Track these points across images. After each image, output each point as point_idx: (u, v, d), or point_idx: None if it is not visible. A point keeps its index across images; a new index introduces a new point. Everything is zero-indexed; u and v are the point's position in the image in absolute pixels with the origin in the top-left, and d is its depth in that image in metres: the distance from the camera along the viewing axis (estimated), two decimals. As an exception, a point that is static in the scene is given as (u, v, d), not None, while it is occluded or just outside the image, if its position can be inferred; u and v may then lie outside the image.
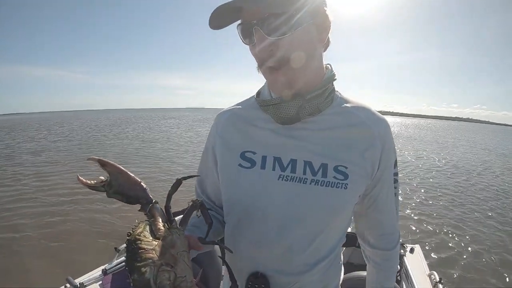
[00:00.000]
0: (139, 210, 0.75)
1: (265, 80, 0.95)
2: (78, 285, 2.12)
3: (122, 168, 0.74)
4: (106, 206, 6.95)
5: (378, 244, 1.04)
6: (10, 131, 33.10)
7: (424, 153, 19.00)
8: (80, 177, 0.72)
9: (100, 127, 35.45)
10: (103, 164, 0.73)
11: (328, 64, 0.94)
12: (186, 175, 0.82)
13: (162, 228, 0.69)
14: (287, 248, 0.88)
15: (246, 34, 0.81)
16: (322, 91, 0.87)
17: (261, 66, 0.83)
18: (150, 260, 0.61)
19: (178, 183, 0.77)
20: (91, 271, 2.43)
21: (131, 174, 0.75)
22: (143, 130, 31.44)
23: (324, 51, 0.90)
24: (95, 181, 0.73)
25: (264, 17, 0.75)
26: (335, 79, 0.92)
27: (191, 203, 0.81)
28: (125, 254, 0.65)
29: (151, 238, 0.66)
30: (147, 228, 0.69)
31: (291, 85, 0.83)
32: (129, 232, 0.67)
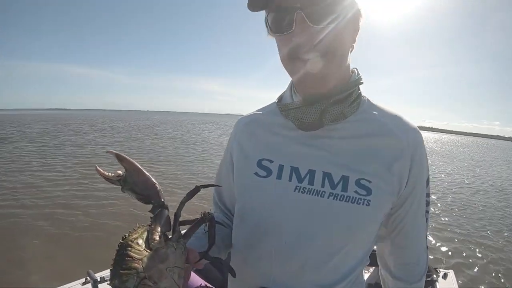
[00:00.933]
0: (149, 211, 0.72)
1: (286, 85, 0.90)
2: (98, 279, 2.12)
3: (139, 167, 0.72)
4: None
5: (400, 274, 0.92)
6: (55, 124, 35.39)
7: (460, 170, 18.16)
8: (98, 168, 0.71)
9: (140, 127, 36.87)
10: (120, 159, 0.72)
11: (354, 68, 0.86)
12: (205, 183, 0.79)
13: (158, 238, 0.65)
14: (300, 266, 0.80)
15: (282, 20, 0.72)
16: (348, 94, 0.80)
17: (291, 56, 0.75)
18: (134, 270, 0.58)
19: (195, 190, 0.74)
20: None
21: (147, 173, 0.72)
22: (183, 132, 32.28)
23: (350, 53, 0.83)
24: (112, 174, 0.71)
25: (310, 1, 0.68)
26: (362, 83, 0.84)
27: (202, 215, 0.77)
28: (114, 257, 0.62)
29: (143, 247, 0.63)
30: (144, 234, 0.65)
31: (323, 81, 0.76)
32: (124, 235, 0.64)
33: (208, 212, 0.78)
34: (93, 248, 4.99)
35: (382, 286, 1.01)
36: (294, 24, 0.70)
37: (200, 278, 1.88)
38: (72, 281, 2.31)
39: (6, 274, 4.25)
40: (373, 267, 2.38)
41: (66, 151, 14.83)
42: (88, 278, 2.17)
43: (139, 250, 0.61)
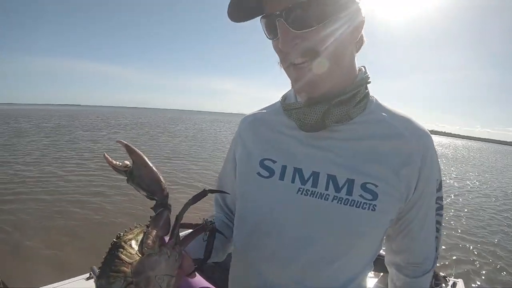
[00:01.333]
0: (151, 208, 0.70)
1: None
2: None
3: (147, 161, 0.70)
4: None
5: (404, 270, 0.90)
6: (71, 119, 36.05)
7: (470, 176, 17.86)
8: (106, 155, 0.70)
9: (154, 124, 37.27)
10: (129, 151, 0.69)
11: (362, 66, 0.83)
12: (213, 189, 0.77)
13: (152, 244, 0.63)
14: (300, 270, 0.78)
15: (270, 27, 0.73)
16: (352, 94, 0.76)
17: (284, 62, 0.75)
18: (123, 274, 0.57)
19: (202, 194, 0.71)
20: None
21: (154, 169, 0.70)
22: (196, 131, 32.53)
23: (357, 51, 0.80)
24: (120, 164, 0.70)
25: (289, 7, 0.67)
26: (369, 82, 0.81)
27: (203, 223, 0.75)
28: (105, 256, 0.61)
29: (135, 250, 0.61)
30: (140, 236, 0.64)
31: (316, 85, 0.73)
32: (119, 234, 0.63)
33: (211, 221, 0.76)
34: (108, 240, 5.05)
35: (389, 282, 0.99)
36: (278, 31, 0.70)
37: (202, 279, 1.83)
38: (77, 275, 2.36)
39: (20, 260, 4.40)
40: (381, 273, 2.29)
41: (82, 145, 15.15)
42: (92, 274, 2.21)
43: (131, 254, 0.60)
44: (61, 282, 2.30)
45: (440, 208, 0.84)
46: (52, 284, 2.27)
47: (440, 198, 0.83)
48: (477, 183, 15.52)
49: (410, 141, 0.76)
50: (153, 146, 16.63)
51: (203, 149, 17.13)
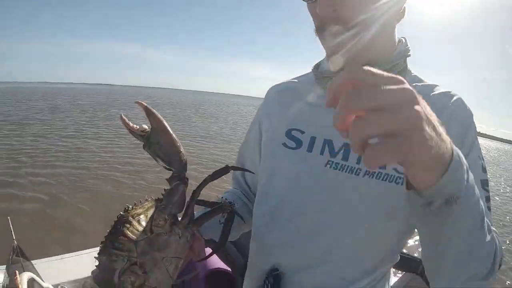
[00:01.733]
0: (166, 179, 0.64)
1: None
2: None
3: (167, 127, 0.62)
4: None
5: None
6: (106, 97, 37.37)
7: (499, 179, 17.18)
8: (123, 116, 0.64)
9: (186, 105, 37.87)
10: (148, 114, 0.61)
11: (402, 37, 0.75)
12: (236, 166, 0.72)
13: (163, 222, 0.57)
14: (322, 252, 0.71)
15: None
16: (391, 66, 0.69)
17: (320, 29, 0.67)
18: (127, 253, 0.52)
19: (224, 170, 0.66)
20: None
21: (175, 137, 0.63)
22: (228, 113, 33.03)
23: (398, 22, 0.72)
24: (137, 127, 0.63)
25: None
26: (409, 55, 0.73)
27: (221, 203, 0.69)
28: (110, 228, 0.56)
29: (143, 227, 0.56)
30: (150, 211, 0.58)
31: (354, 54, 0.65)
32: (127, 207, 0.58)
33: (230, 202, 0.71)
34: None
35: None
36: None
37: (217, 258, 1.83)
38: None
39: (49, 227, 4.67)
40: (403, 272, 2.15)
41: (116, 123, 15.30)
42: None
43: (137, 231, 0.54)
44: (87, 250, 2.39)
45: (487, 197, 0.69)
46: (77, 252, 2.35)
47: (486, 183, 0.70)
48: (505, 186, 14.96)
49: (448, 109, 0.68)
50: (185, 126, 17.02)
51: (233, 131, 17.38)
